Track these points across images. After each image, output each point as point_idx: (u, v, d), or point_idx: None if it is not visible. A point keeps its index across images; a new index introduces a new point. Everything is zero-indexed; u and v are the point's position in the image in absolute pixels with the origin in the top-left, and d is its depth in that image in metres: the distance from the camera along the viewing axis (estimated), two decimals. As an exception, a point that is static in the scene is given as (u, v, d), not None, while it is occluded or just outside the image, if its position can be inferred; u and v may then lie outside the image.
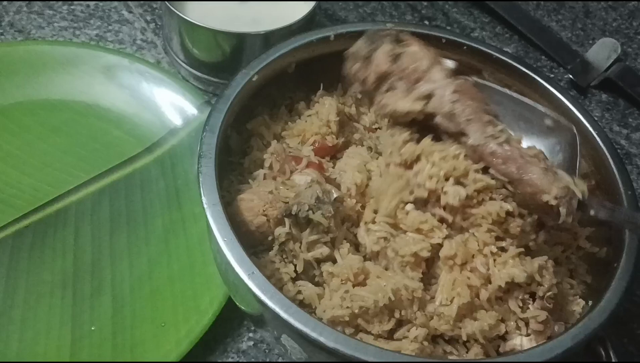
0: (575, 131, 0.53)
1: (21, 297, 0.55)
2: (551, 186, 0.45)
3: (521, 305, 0.46)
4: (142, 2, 0.79)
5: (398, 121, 0.51)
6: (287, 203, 0.48)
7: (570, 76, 0.77)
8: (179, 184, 0.63)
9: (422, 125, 0.50)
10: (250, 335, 0.56)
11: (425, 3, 0.84)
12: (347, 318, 0.45)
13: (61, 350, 0.53)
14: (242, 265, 0.44)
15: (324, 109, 0.57)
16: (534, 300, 0.46)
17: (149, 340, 0.53)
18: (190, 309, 0.54)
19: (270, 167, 0.53)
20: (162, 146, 0.65)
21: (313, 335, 0.41)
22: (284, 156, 0.52)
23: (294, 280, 0.48)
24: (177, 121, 0.66)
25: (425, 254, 0.46)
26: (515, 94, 0.57)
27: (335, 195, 0.48)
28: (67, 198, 0.61)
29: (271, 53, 0.56)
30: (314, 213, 0.47)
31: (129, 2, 0.78)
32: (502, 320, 0.46)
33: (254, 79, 0.55)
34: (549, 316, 0.45)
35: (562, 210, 0.45)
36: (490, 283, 0.46)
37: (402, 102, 0.49)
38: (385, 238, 0.47)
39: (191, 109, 0.67)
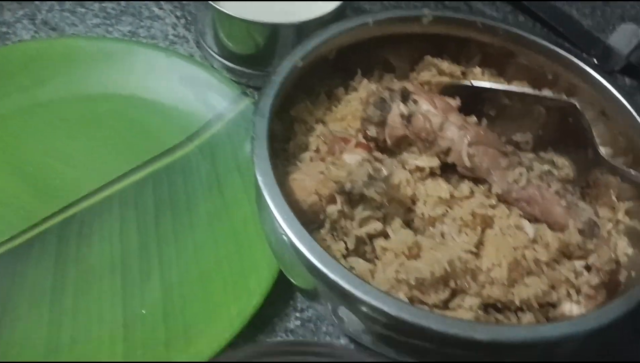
0: (577, 105, 0.55)
1: (71, 285, 0.56)
2: (574, 222, 0.50)
3: (574, 273, 0.47)
4: (171, -2, 0.80)
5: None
6: (339, 181, 0.49)
7: (595, 61, 0.78)
8: (219, 172, 0.64)
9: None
10: (297, 314, 0.57)
11: (448, -6, 0.86)
12: (403, 289, 0.46)
13: (114, 334, 0.54)
14: (303, 241, 0.45)
15: (365, 93, 0.59)
16: (588, 271, 0.47)
17: (202, 322, 0.54)
18: (239, 290, 0.55)
19: (317, 150, 0.55)
20: (201, 135, 0.67)
21: (376, 303, 0.42)
22: (332, 137, 0.53)
23: (345, 256, 0.50)
24: (215, 111, 0.68)
25: (483, 211, 0.47)
26: (504, 87, 0.60)
27: (385, 173, 0.49)
28: (111, 188, 0.62)
29: (313, 40, 0.57)
30: (367, 189, 0.48)
31: (159, -1, 0.79)
32: (553, 287, 0.48)
33: (299, 65, 0.56)
34: (602, 283, 0.46)
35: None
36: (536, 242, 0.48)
37: (422, 159, 0.53)
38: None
39: (228, 100, 0.68)
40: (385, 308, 0.42)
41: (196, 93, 0.69)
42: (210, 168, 0.65)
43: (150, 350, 0.52)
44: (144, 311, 0.55)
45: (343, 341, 0.56)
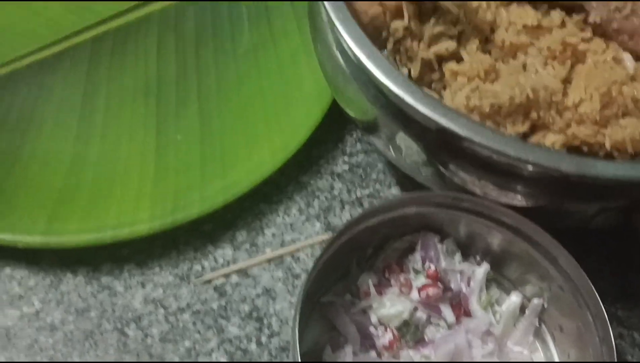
0: None
1: (102, 102, 0.52)
2: None
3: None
4: None
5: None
6: (408, -9, 0.42)
7: None
8: None
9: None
10: (346, 158, 0.52)
11: None
12: (475, 118, 0.39)
13: (145, 155, 0.49)
14: (371, 58, 0.38)
15: None
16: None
17: (241, 149, 0.49)
18: (284, 123, 0.50)
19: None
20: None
21: (442, 121, 0.36)
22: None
23: (407, 85, 0.43)
24: None
25: (574, 41, 0.40)
26: None
27: (465, -15, 0.42)
28: (149, 6, 0.57)
29: None
30: (442, -2, 0.41)
31: None
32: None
33: None
34: None
35: None
36: (636, 80, 0.40)
37: None
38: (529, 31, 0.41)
39: None
40: (457, 129, 0.36)
41: None
42: (258, -5, 0.58)
43: (184, 175, 0.48)
44: (179, 137, 0.51)
45: (394, 190, 0.51)
